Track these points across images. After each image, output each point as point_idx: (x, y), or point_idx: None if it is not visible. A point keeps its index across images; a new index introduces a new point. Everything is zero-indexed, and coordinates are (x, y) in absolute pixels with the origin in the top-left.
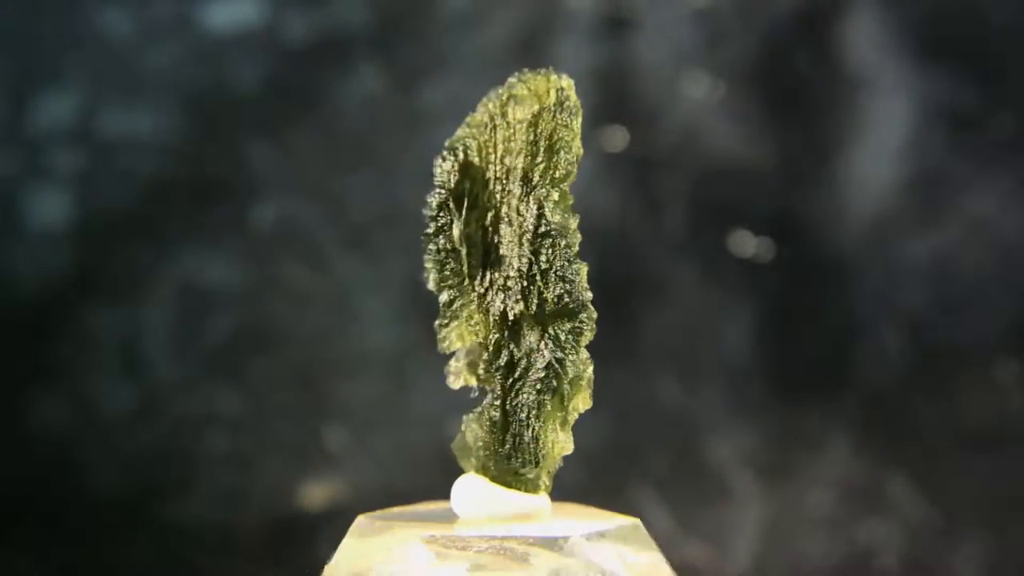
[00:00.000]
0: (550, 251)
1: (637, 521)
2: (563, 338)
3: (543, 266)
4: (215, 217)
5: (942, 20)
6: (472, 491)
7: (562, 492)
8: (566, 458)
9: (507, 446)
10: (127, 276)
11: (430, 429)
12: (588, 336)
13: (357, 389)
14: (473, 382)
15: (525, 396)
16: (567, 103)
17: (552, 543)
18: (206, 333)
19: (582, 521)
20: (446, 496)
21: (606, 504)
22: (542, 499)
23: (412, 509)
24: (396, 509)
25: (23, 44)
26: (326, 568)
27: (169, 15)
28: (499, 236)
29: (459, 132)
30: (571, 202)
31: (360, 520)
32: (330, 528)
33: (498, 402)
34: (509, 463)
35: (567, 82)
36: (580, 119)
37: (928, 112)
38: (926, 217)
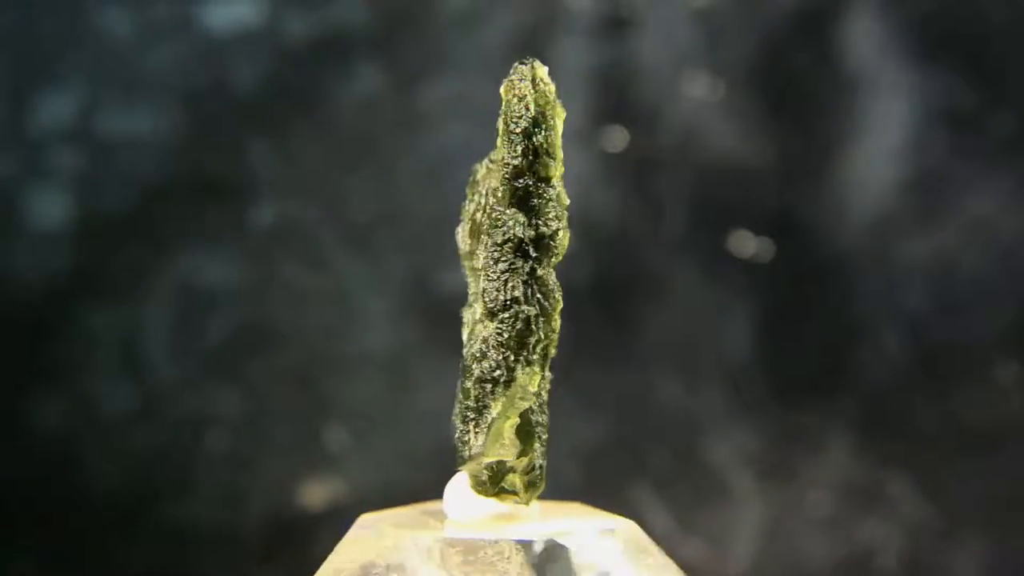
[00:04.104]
0: (483, 248)
1: (632, 523)
2: (490, 339)
3: (479, 263)
4: (215, 217)
5: (942, 20)
6: (457, 492)
7: (562, 492)
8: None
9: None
10: (127, 276)
11: (430, 429)
12: (512, 336)
13: (357, 389)
14: None
15: (459, 396)
16: (526, 96)
17: (542, 543)
18: (206, 333)
19: (575, 522)
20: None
21: (606, 504)
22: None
23: (412, 509)
24: (396, 510)
25: (23, 44)
26: (324, 564)
27: (169, 15)
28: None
29: None
30: (544, 196)
31: (361, 520)
32: (330, 528)
33: (455, 400)
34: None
35: (530, 71)
36: (542, 110)
37: (928, 112)
38: (926, 217)
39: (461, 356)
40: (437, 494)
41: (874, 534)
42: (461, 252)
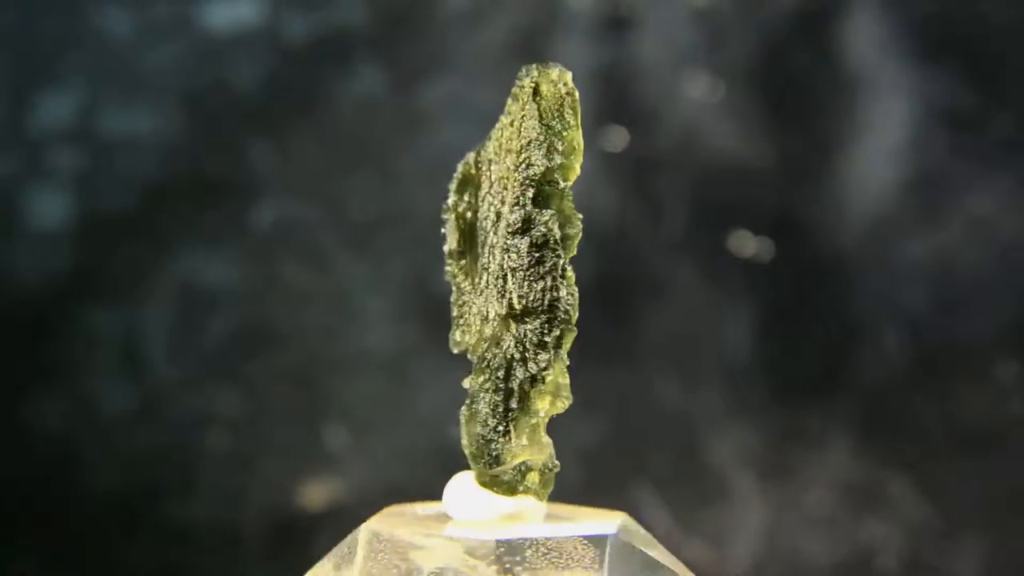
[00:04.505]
0: (517, 249)
1: (625, 515)
2: (527, 338)
3: (512, 264)
4: (215, 217)
5: (942, 20)
6: (462, 492)
7: (562, 492)
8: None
9: (473, 448)
10: (127, 276)
11: (430, 429)
12: (557, 335)
13: (357, 389)
14: (466, 384)
15: (486, 397)
16: (550, 98)
17: (545, 544)
18: (206, 333)
19: (572, 521)
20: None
21: (606, 504)
22: (531, 500)
23: (409, 508)
24: (393, 508)
25: (23, 44)
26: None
27: (169, 15)
28: (494, 236)
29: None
30: (567, 198)
31: (367, 528)
32: (330, 528)
33: (468, 402)
34: (478, 465)
35: (558, 74)
36: (571, 114)
37: (928, 112)
38: (926, 217)
39: (473, 357)
40: (436, 494)
41: (874, 534)
42: (449, 251)
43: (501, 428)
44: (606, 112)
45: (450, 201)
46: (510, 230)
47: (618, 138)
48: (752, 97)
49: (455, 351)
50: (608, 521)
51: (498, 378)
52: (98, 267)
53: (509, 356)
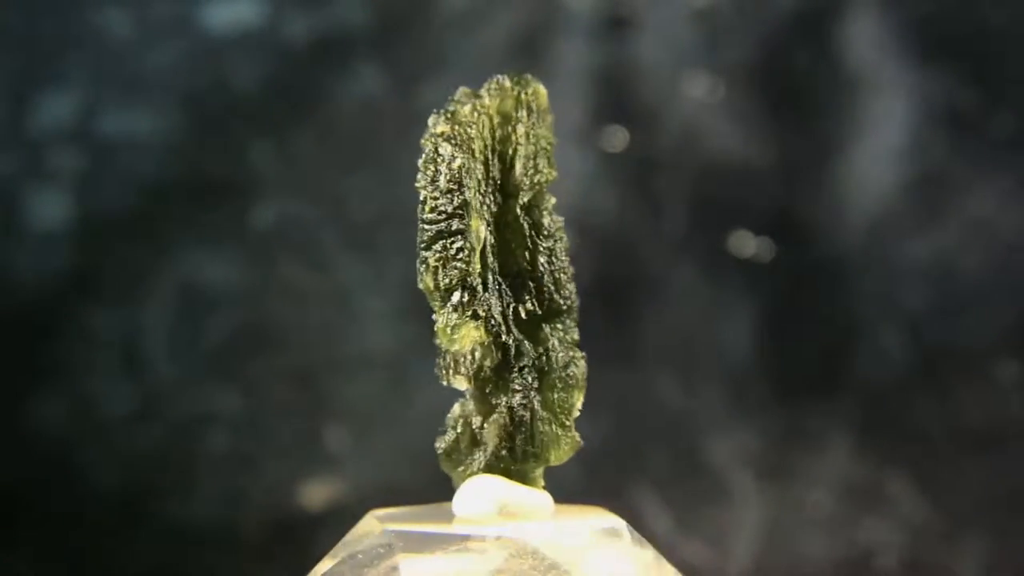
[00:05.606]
0: (553, 253)
1: (622, 522)
2: (569, 337)
3: (551, 267)
4: (215, 217)
5: (942, 20)
6: (476, 491)
7: (562, 492)
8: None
9: (531, 445)
10: (127, 276)
11: (430, 429)
12: (577, 330)
13: (357, 389)
14: (465, 384)
15: (548, 394)
16: (545, 108)
17: (551, 542)
18: (206, 333)
19: (579, 520)
20: (446, 496)
21: (606, 504)
22: (545, 497)
23: (417, 509)
24: (402, 508)
25: (23, 44)
26: (324, 559)
27: (169, 15)
28: (495, 238)
29: (442, 128)
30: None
31: (368, 517)
32: (330, 528)
33: (525, 401)
34: (526, 462)
35: (540, 88)
36: (546, 128)
37: (928, 112)
38: (926, 217)
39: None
40: (436, 494)
41: (874, 534)
42: (475, 244)
43: (568, 424)
44: (606, 112)
45: (467, 196)
46: (546, 233)
47: (618, 138)
48: (752, 97)
49: (476, 352)
50: (610, 520)
51: (562, 376)
52: (98, 267)
53: (567, 355)
